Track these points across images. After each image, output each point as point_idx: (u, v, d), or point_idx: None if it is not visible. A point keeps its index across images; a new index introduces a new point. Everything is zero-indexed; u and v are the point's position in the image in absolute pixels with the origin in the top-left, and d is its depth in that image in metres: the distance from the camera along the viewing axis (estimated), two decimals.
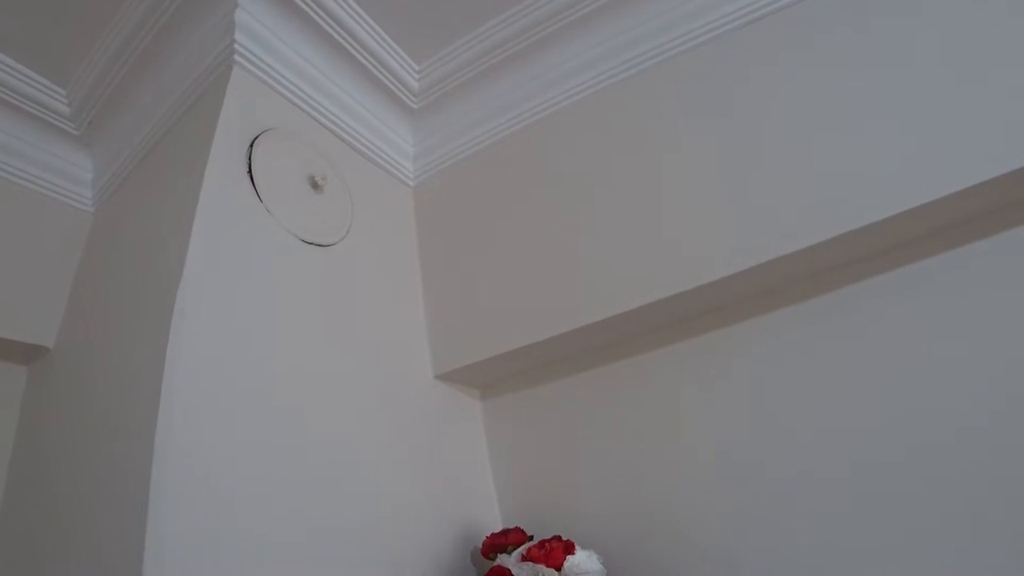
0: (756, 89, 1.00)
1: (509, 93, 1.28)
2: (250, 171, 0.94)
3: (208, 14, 1.05)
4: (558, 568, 0.88)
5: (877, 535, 0.83)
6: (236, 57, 1.02)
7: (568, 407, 1.17)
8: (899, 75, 0.88)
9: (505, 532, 0.98)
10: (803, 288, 0.99)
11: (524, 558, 0.90)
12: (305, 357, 0.90)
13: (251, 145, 0.97)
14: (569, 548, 0.90)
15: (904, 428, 0.85)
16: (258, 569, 0.70)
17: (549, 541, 0.91)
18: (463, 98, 1.32)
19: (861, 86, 0.91)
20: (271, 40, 1.07)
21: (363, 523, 0.86)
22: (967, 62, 0.84)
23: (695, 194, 1.00)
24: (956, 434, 0.82)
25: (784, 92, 0.97)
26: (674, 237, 0.99)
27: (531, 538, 0.97)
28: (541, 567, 0.87)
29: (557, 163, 1.19)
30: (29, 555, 0.84)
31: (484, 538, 0.99)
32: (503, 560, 0.93)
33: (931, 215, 0.85)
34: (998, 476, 0.78)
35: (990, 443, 0.79)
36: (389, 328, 1.12)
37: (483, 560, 0.98)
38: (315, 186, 1.05)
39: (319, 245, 1.02)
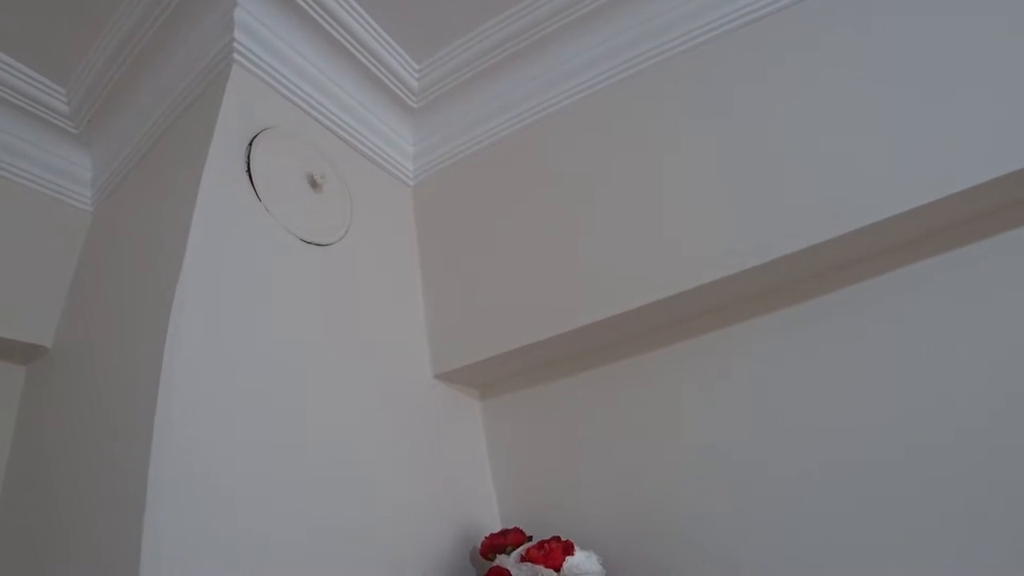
0: (756, 89, 1.00)
1: (509, 93, 1.28)
2: (249, 170, 0.94)
3: (207, 12, 1.04)
4: (557, 569, 0.87)
5: (877, 535, 0.82)
6: (235, 56, 1.02)
7: (568, 407, 1.16)
8: (900, 75, 0.88)
9: (504, 532, 0.97)
10: (804, 288, 0.99)
11: (523, 559, 0.90)
12: (304, 357, 0.90)
13: (250, 144, 0.97)
14: (568, 549, 0.90)
15: (904, 428, 0.85)
16: (257, 569, 0.70)
17: (548, 542, 0.91)
18: (463, 97, 1.32)
19: (862, 86, 0.91)
20: (270, 39, 1.07)
21: (362, 523, 0.85)
22: (967, 62, 0.84)
23: (695, 194, 1.00)
24: (956, 434, 0.82)
25: (784, 92, 0.97)
26: (674, 237, 0.99)
27: (530, 538, 0.97)
28: (540, 568, 0.87)
29: (557, 163, 1.19)
30: (28, 554, 0.84)
31: (483, 538, 0.98)
32: (502, 561, 0.93)
33: (931, 216, 0.85)
34: (998, 476, 0.78)
35: (990, 443, 0.79)
36: (388, 327, 1.12)
37: (482, 560, 0.98)
38: (314, 185, 1.05)
39: (318, 244, 1.01)
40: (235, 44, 1.01)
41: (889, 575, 0.80)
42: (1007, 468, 0.77)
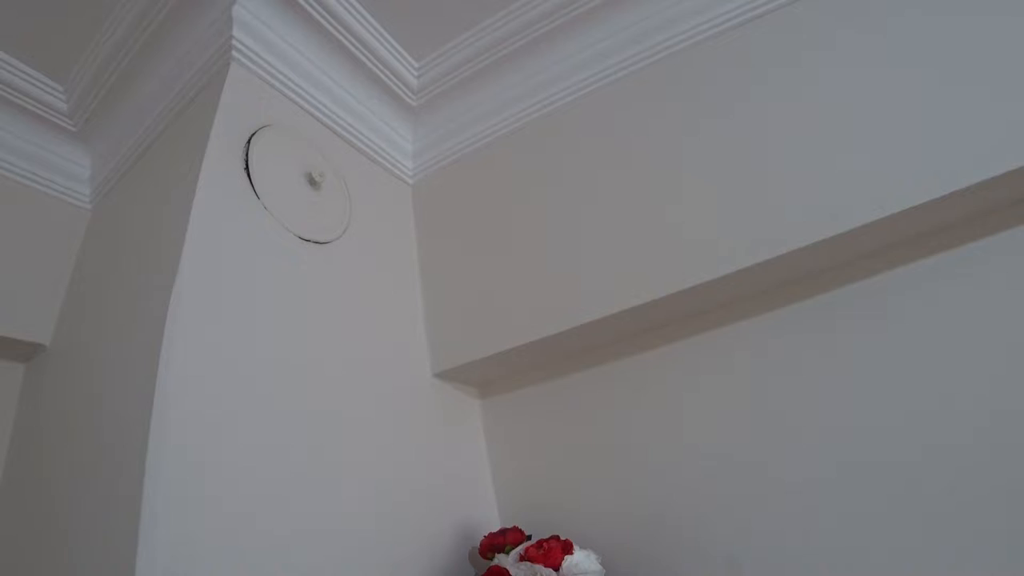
0: (759, 85, 1.00)
1: (509, 90, 1.27)
2: (247, 167, 0.94)
3: (206, 10, 1.04)
4: (556, 568, 0.87)
5: (877, 534, 0.82)
6: (234, 53, 1.01)
7: (567, 406, 1.16)
8: (900, 73, 0.87)
9: (503, 532, 0.97)
10: (804, 286, 0.98)
11: (522, 558, 0.89)
12: (302, 355, 0.89)
13: (248, 142, 0.96)
14: (567, 548, 0.90)
15: (907, 427, 0.84)
16: (253, 567, 0.70)
17: (547, 541, 0.90)
18: (463, 95, 1.31)
19: (864, 83, 0.90)
20: (269, 36, 1.07)
21: (361, 522, 0.85)
22: (966, 61, 0.83)
23: (696, 191, 0.99)
24: (961, 434, 0.81)
25: (787, 89, 0.97)
26: (675, 235, 0.98)
27: (529, 538, 0.97)
28: (539, 567, 0.87)
29: (557, 160, 1.18)
30: (26, 551, 0.84)
31: (482, 538, 0.98)
32: (501, 560, 0.92)
33: (933, 213, 0.84)
34: (1000, 476, 0.77)
35: (992, 442, 0.79)
36: (387, 326, 1.11)
37: (481, 560, 0.98)
38: (313, 183, 1.05)
39: (317, 242, 1.01)
40: (234, 41, 1.01)
41: (889, 574, 0.80)
42: (1008, 468, 0.77)
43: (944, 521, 0.79)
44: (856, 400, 0.89)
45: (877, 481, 0.84)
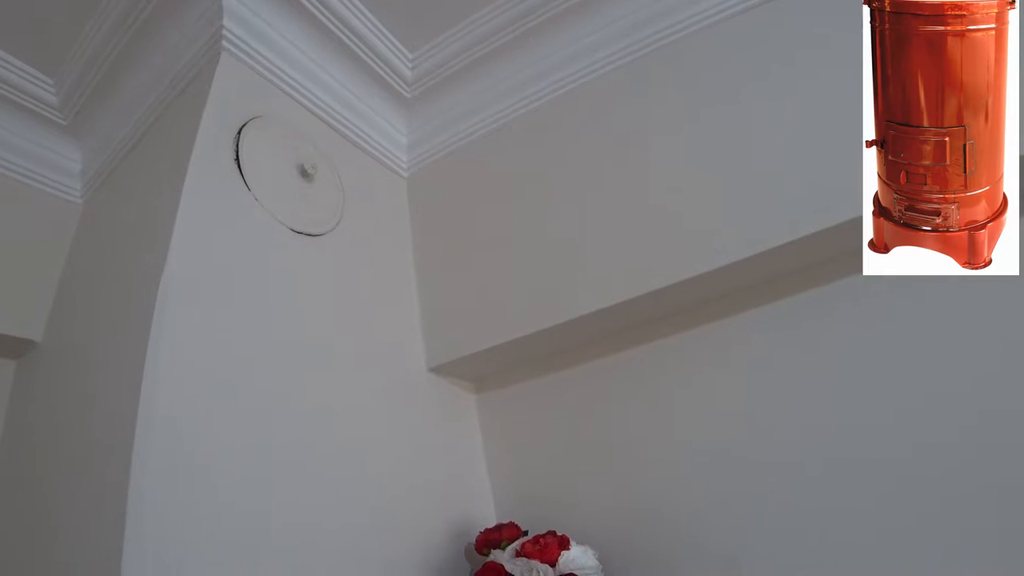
0: (759, 77, 0.98)
1: (504, 81, 1.25)
2: (238, 159, 0.93)
3: (196, 0, 1.02)
4: (553, 564, 0.86)
5: (876, 531, 0.81)
6: (224, 44, 1.00)
7: (564, 401, 1.15)
8: None
9: (499, 527, 0.96)
10: (804, 279, 0.97)
11: (518, 553, 0.88)
12: (294, 349, 0.88)
13: (239, 133, 0.95)
14: (564, 543, 0.88)
15: (907, 424, 0.83)
16: (246, 564, 0.69)
17: (544, 536, 0.89)
18: (458, 87, 1.30)
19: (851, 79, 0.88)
20: (260, 26, 1.05)
21: (355, 518, 0.84)
22: None
23: (694, 183, 0.98)
24: (958, 432, 0.80)
25: (789, 82, 0.95)
26: (674, 226, 0.97)
27: (525, 533, 0.95)
28: (535, 563, 0.86)
29: (554, 153, 1.17)
30: (17, 547, 0.83)
31: (478, 534, 0.97)
32: (497, 556, 0.91)
33: None
34: (987, 473, 0.76)
35: (980, 440, 0.78)
36: (381, 319, 1.10)
37: (477, 556, 0.96)
38: (305, 175, 1.03)
39: (309, 235, 1.00)
40: (224, 32, 1.00)
41: (887, 571, 0.79)
42: (996, 466, 0.76)
43: (946, 519, 0.77)
44: (855, 396, 0.88)
45: (874, 477, 0.83)
